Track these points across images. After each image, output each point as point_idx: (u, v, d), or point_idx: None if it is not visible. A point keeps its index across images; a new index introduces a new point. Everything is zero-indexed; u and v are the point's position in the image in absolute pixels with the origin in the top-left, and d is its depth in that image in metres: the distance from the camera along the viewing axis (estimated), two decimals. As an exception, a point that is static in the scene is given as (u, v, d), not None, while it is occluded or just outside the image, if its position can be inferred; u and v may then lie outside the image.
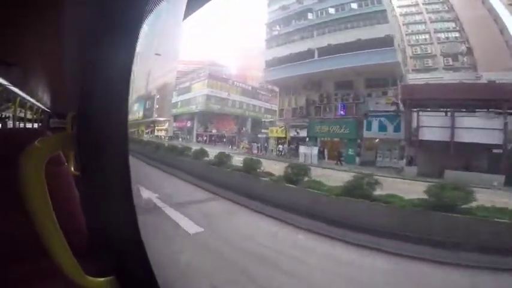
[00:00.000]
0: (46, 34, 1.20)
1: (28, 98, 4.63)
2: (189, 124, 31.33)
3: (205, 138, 29.42)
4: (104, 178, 0.70)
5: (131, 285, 0.75)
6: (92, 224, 0.70)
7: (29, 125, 7.47)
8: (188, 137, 30.27)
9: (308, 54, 22.04)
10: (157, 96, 33.11)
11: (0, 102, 5.38)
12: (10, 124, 7.29)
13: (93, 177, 0.70)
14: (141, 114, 31.43)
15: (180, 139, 29.43)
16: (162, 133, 32.03)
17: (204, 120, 30.40)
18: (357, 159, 18.71)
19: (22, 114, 6.55)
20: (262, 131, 26.78)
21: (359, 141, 19.19)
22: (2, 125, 9.23)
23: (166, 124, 32.08)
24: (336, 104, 21.21)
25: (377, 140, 18.48)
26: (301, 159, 18.17)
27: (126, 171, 0.70)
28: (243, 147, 25.09)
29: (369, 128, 18.54)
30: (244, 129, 30.28)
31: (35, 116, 7.57)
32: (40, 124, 7.48)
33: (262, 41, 26.49)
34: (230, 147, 25.77)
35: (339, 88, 21.40)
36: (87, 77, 0.67)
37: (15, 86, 3.38)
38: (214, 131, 30.27)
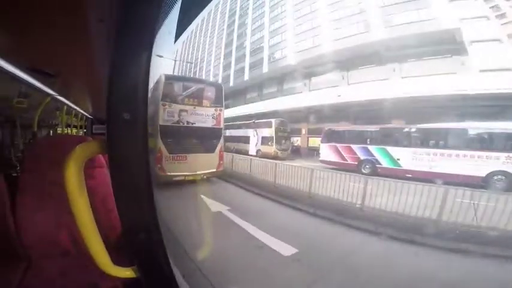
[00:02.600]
0: (76, 42, 1.30)
1: (73, 106, 5.07)
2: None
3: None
4: (127, 179, 0.77)
5: (151, 274, 0.82)
6: (120, 219, 0.78)
7: (74, 131, 8.23)
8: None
9: None
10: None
11: (51, 110, 5.97)
12: (59, 130, 8.11)
13: (118, 178, 0.77)
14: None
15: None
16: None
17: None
18: None
19: (69, 121, 7.21)
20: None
21: None
22: (52, 132, 10.27)
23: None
24: None
25: None
26: None
27: (147, 173, 0.77)
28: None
29: None
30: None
31: (80, 123, 8.30)
32: (85, 130, 8.18)
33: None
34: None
35: None
36: (109, 81, 0.74)
37: (61, 95, 3.73)
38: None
